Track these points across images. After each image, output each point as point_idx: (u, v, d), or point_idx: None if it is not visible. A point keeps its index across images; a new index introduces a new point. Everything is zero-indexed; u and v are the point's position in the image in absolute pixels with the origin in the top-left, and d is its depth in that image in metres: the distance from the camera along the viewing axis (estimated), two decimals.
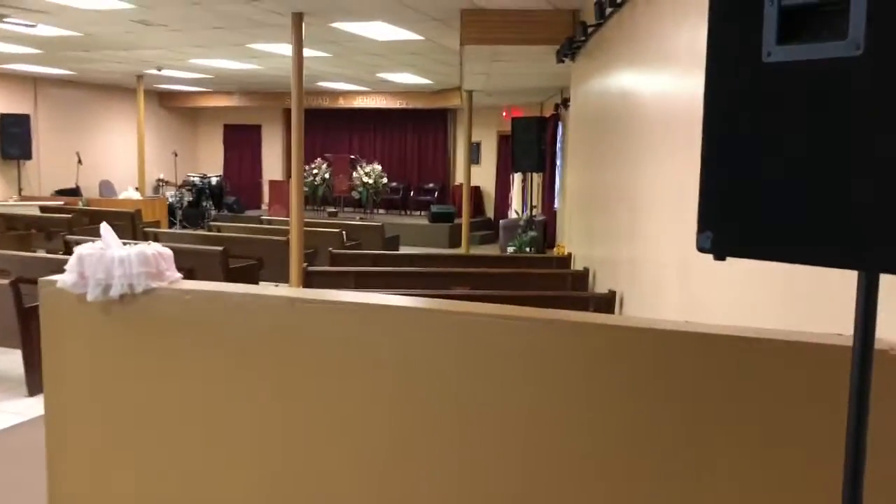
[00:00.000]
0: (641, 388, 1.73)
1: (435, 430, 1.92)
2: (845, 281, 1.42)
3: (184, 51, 11.24)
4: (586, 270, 6.27)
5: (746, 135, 1.16)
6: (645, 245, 4.30)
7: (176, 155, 17.89)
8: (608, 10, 5.14)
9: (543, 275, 6.56)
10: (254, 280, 7.85)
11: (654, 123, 4.04)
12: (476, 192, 16.96)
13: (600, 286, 5.82)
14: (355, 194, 16.72)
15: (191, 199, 15.93)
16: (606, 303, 5.01)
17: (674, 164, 3.53)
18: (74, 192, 15.20)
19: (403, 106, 16.91)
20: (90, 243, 2.16)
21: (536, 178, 13.22)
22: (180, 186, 16.32)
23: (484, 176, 17.70)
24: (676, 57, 3.60)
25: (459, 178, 17.07)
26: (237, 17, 8.36)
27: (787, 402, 1.62)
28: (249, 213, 17.67)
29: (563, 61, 7.72)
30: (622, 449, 1.76)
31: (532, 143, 11.34)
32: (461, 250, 12.50)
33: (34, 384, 5.15)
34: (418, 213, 17.58)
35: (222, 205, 17.08)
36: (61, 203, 12.85)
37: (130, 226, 10.38)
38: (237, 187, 18.92)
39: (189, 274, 2.26)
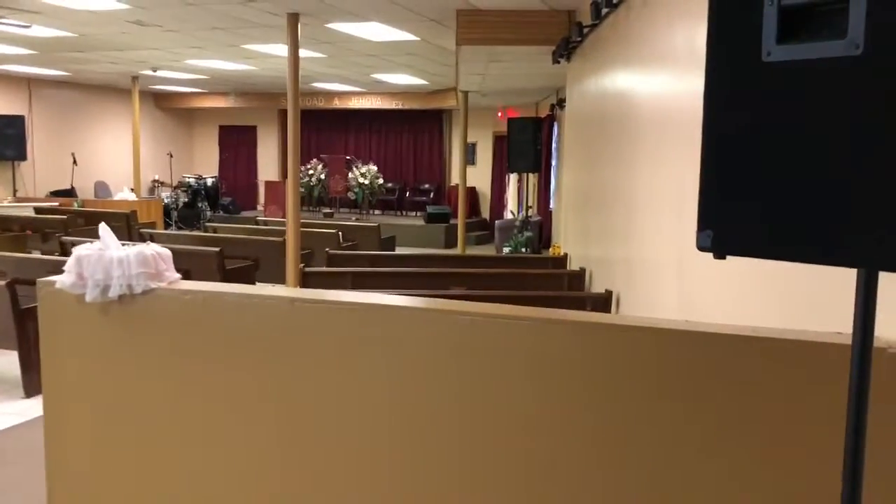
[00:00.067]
0: (641, 387, 1.74)
1: (434, 430, 1.93)
2: (842, 280, 1.43)
3: (179, 51, 11.22)
4: (582, 270, 6.28)
5: (746, 134, 1.16)
6: (641, 245, 4.31)
7: (171, 156, 17.86)
8: (604, 11, 5.15)
9: (540, 275, 6.57)
10: (250, 281, 7.84)
11: (650, 123, 4.05)
12: (472, 193, 16.96)
13: (597, 286, 5.83)
14: (351, 195, 16.70)
15: (186, 200, 15.91)
16: (603, 303, 5.02)
17: (670, 163, 3.54)
18: (69, 193, 15.16)
19: (399, 107, 16.92)
20: (89, 244, 2.15)
21: (532, 179, 13.23)
22: (176, 187, 16.29)
23: (479, 176, 17.71)
24: (672, 57, 3.61)
25: (455, 178, 17.08)
26: (232, 18, 8.35)
27: (787, 401, 1.63)
28: (245, 213, 17.66)
29: (558, 62, 7.73)
30: (622, 448, 1.76)
31: (528, 144, 11.36)
32: (457, 251, 12.50)
33: (31, 385, 5.14)
34: (414, 213, 17.57)
35: (218, 206, 17.07)
36: (56, 204, 12.83)
37: (126, 227, 10.37)
38: (232, 188, 18.90)
39: (185, 275, 2.25)
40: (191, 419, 2.15)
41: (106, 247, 2.13)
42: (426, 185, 18.25)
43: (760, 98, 1.14)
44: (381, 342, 1.96)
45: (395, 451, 1.97)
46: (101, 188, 16.51)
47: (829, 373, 1.56)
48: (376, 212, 17.51)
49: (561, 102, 10.62)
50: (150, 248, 2.16)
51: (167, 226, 14.65)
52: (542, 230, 12.39)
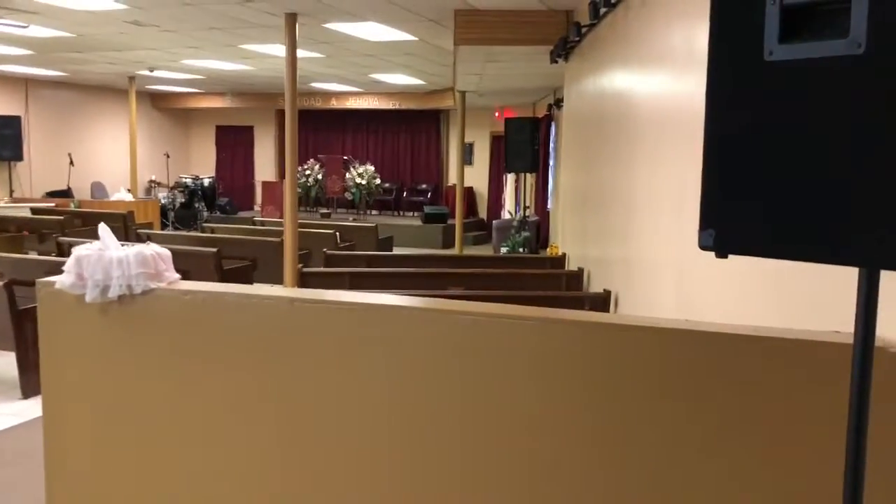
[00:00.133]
0: (643, 386, 1.74)
1: (435, 430, 1.93)
2: (840, 280, 1.43)
3: (176, 51, 11.21)
4: (581, 270, 6.29)
5: (748, 133, 1.17)
6: (639, 245, 4.31)
7: (168, 156, 17.85)
8: (602, 11, 5.16)
9: (538, 275, 6.57)
10: (248, 281, 7.84)
11: (649, 123, 4.06)
12: (469, 193, 16.97)
13: (595, 286, 5.84)
14: (348, 195, 16.70)
15: (183, 200, 15.88)
16: (601, 303, 5.03)
17: (668, 163, 3.54)
18: (66, 193, 15.14)
19: (396, 107, 16.92)
20: (88, 244, 2.15)
21: (529, 179, 13.24)
22: (172, 188, 16.27)
23: (477, 177, 17.71)
24: (671, 57, 3.61)
25: (452, 178, 17.08)
26: (230, 18, 8.34)
27: (788, 400, 1.63)
28: (242, 214, 17.65)
29: (556, 62, 7.74)
30: (624, 448, 1.76)
31: (525, 144, 11.36)
32: (455, 251, 12.50)
33: (28, 386, 5.13)
34: (411, 213, 17.57)
35: (215, 206, 17.05)
36: (53, 205, 12.80)
37: (123, 227, 10.36)
38: (229, 188, 18.88)
39: (183, 275, 2.25)
40: (190, 419, 2.15)
41: (105, 247, 2.13)
42: (423, 186, 18.25)
43: (762, 97, 1.14)
44: (381, 342, 1.96)
45: (395, 451, 1.97)
46: (98, 189, 16.49)
47: (829, 372, 1.57)
48: (373, 212, 17.51)
49: (558, 102, 10.63)
50: (150, 249, 2.16)
51: (164, 226, 14.63)
52: (539, 230, 12.40)
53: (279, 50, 9.46)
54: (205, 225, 12.24)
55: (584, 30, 6.10)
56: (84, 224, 10.68)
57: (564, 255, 7.63)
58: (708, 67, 1.21)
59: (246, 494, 2.12)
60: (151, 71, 13.71)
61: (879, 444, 1.29)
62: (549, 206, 12.46)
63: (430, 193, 18.02)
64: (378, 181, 16.88)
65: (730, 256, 1.23)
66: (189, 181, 16.42)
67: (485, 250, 14.00)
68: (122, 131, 16.81)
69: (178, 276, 2.21)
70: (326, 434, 2.03)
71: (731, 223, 1.20)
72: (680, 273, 3.35)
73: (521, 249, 10.86)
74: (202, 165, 19.68)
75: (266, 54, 10.94)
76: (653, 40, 4.03)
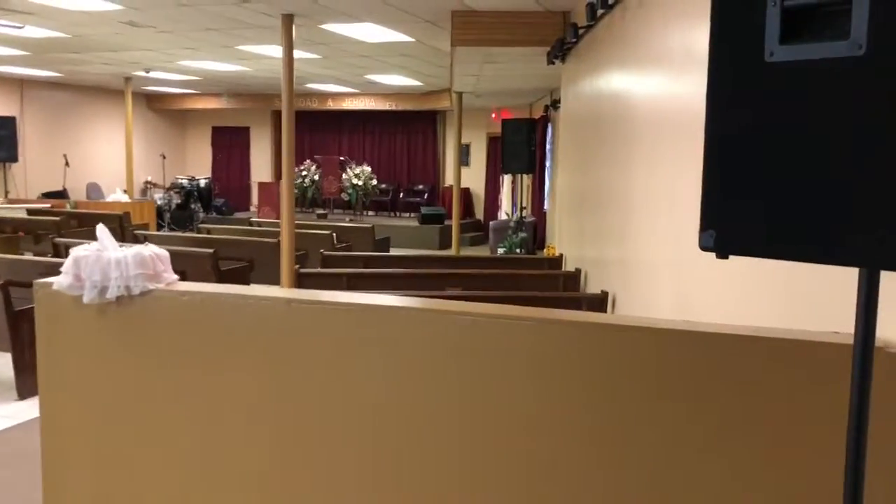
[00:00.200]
0: (642, 387, 1.74)
1: (434, 430, 1.92)
2: (838, 280, 1.43)
3: (172, 52, 11.19)
4: (578, 271, 6.29)
5: (748, 134, 1.17)
6: (637, 246, 4.31)
7: (164, 157, 17.82)
8: (599, 12, 5.16)
9: (535, 276, 6.58)
10: (245, 282, 7.83)
11: (646, 124, 4.06)
12: (466, 194, 16.97)
13: (592, 287, 5.84)
14: (344, 196, 16.68)
15: (179, 201, 15.86)
16: (598, 304, 5.03)
17: (666, 164, 3.54)
18: (61, 194, 15.11)
19: (393, 108, 16.92)
20: (86, 245, 2.14)
21: (526, 180, 13.24)
22: (168, 189, 16.25)
23: (473, 177, 17.72)
24: (668, 58, 3.62)
25: (449, 179, 17.09)
26: (226, 19, 8.33)
27: (787, 401, 1.63)
28: (238, 215, 17.61)
29: (553, 63, 7.74)
30: (623, 449, 1.76)
31: (522, 145, 11.36)
32: (451, 252, 12.50)
33: (24, 387, 5.12)
34: (408, 214, 17.56)
35: (211, 207, 17.03)
36: (48, 206, 12.77)
37: (119, 228, 10.34)
38: (225, 189, 18.86)
39: (180, 277, 2.25)
40: (189, 420, 2.15)
41: (104, 248, 2.12)
42: (420, 186, 18.25)
43: (762, 98, 1.14)
44: (379, 343, 1.96)
45: (393, 451, 1.97)
46: (94, 189, 16.46)
47: (828, 372, 1.57)
48: (370, 213, 17.50)
49: (555, 103, 10.64)
50: (148, 250, 2.15)
51: (160, 227, 14.60)
52: (536, 231, 12.40)
53: (275, 51, 9.45)
54: (201, 226, 12.21)
55: (581, 31, 6.11)
56: (80, 225, 10.67)
57: (561, 255, 7.64)
58: (708, 68, 1.21)
59: (244, 495, 2.11)
60: (147, 72, 13.69)
61: (879, 443, 1.30)
62: (545, 207, 12.47)
63: (426, 194, 18.02)
64: (374, 182, 16.86)
65: (730, 257, 1.23)
66: (185, 182, 16.40)
67: (481, 251, 13.99)
68: (117, 132, 16.78)
69: (176, 277, 2.20)
70: (324, 434, 2.02)
71: (732, 224, 1.20)
72: (677, 274, 3.35)
73: (517, 250, 10.86)
74: (198, 166, 19.66)
75: (262, 55, 10.93)
76: (650, 41, 4.04)
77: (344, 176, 16.53)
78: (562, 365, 1.81)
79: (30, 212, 11.67)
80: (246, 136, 19.81)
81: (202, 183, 16.72)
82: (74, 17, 8.42)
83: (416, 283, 5.91)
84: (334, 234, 9.69)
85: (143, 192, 17.49)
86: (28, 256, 8.10)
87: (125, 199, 14.39)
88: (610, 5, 4.91)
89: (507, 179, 15.36)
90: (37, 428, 2.30)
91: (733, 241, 1.20)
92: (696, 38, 3.00)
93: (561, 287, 6.11)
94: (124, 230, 10.46)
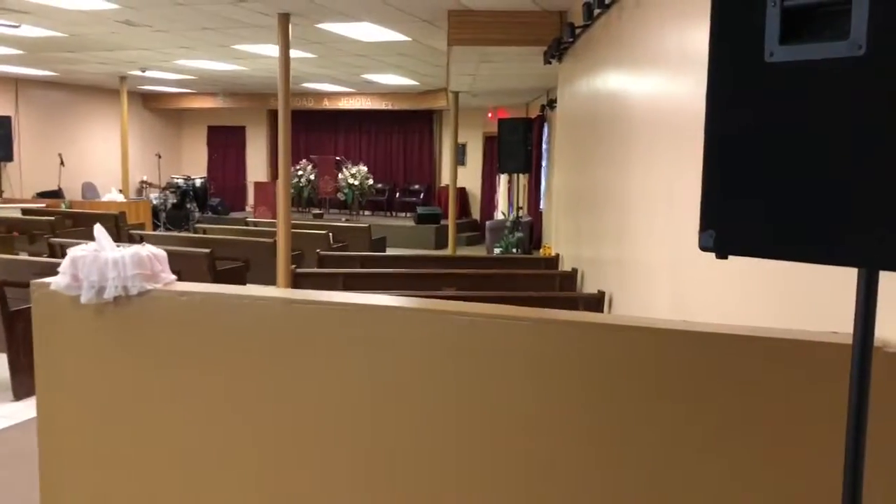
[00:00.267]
0: (640, 387, 1.74)
1: (432, 430, 1.92)
2: (837, 280, 1.43)
3: (168, 52, 11.17)
4: (574, 271, 6.29)
5: (748, 134, 1.17)
6: (634, 246, 4.32)
7: (159, 157, 17.79)
8: (596, 12, 5.17)
9: (531, 275, 6.58)
10: (241, 282, 7.81)
11: (643, 124, 4.06)
12: (462, 194, 16.96)
13: (589, 287, 5.85)
14: (341, 196, 16.66)
15: (175, 201, 15.83)
16: (595, 303, 5.03)
17: (663, 164, 3.55)
18: (56, 194, 15.06)
19: (389, 107, 16.91)
20: (84, 245, 2.14)
21: (522, 180, 13.24)
22: (164, 188, 16.22)
23: (470, 177, 17.72)
24: (665, 58, 3.62)
25: (445, 179, 17.09)
26: (222, 18, 8.32)
27: (786, 401, 1.63)
28: (234, 215, 17.59)
29: (550, 62, 7.74)
30: (622, 449, 1.76)
31: (518, 145, 11.36)
32: (448, 252, 12.50)
33: (20, 388, 5.10)
34: (404, 214, 17.56)
35: (206, 207, 16.99)
36: (43, 205, 12.74)
37: (115, 228, 10.31)
38: (221, 189, 18.83)
39: (177, 276, 2.24)
40: (187, 420, 2.14)
41: (101, 248, 2.12)
42: (416, 186, 18.24)
43: (762, 98, 1.15)
44: (377, 343, 1.96)
45: (391, 451, 1.96)
46: (89, 189, 16.42)
47: (827, 372, 1.57)
48: (366, 213, 17.48)
49: (551, 103, 10.65)
50: (146, 250, 2.15)
51: (155, 227, 14.57)
52: (532, 231, 12.41)
53: (272, 50, 9.45)
54: (197, 226, 12.19)
55: (577, 31, 6.11)
56: (75, 225, 10.64)
57: (558, 255, 7.64)
58: (709, 68, 1.21)
59: (242, 494, 2.11)
60: (143, 71, 13.66)
61: (878, 443, 1.30)
62: (541, 207, 12.47)
63: (422, 194, 18.01)
64: (371, 182, 16.86)
65: (729, 257, 1.23)
66: (181, 182, 16.37)
67: (478, 251, 14.00)
68: (113, 131, 16.74)
69: (174, 277, 2.20)
70: (322, 434, 2.02)
71: (732, 224, 1.20)
72: (675, 273, 3.36)
73: (514, 250, 10.87)
74: (194, 166, 19.62)
75: (258, 54, 10.92)
76: (647, 41, 4.04)
77: (340, 176, 16.52)
78: (560, 365, 1.81)
79: (25, 211, 11.63)
80: (242, 135, 19.79)
81: (198, 182, 16.68)
82: (71, 16, 8.40)
83: (412, 283, 5.91)
84: (330, 234, 9.68)
85: (139, 191, 17.44)
86: (23, 256, 8.07)
87: (121, 198, 14.36)
88: (607, 5, 4.92)
89: (503, 179, 15.37)
90: (33, 428, 2.30)
91: (733, 241, 1.20)
92: (694, 37, 3.01)
93: (557, 287, 6.12)
94: (120, 230, 10.43)
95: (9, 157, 14.67)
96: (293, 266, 6.87)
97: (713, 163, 1.22)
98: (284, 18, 7.83)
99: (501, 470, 1.87)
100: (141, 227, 12.14)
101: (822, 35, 1.07)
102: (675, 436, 1.72)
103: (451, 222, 12.51)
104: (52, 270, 2.18)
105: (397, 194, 18.27)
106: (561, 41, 6.95)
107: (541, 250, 10.72)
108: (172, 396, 2.15)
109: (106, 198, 14.68)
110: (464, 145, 17.28)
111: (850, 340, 1.18)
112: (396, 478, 1.97)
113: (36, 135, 15.85)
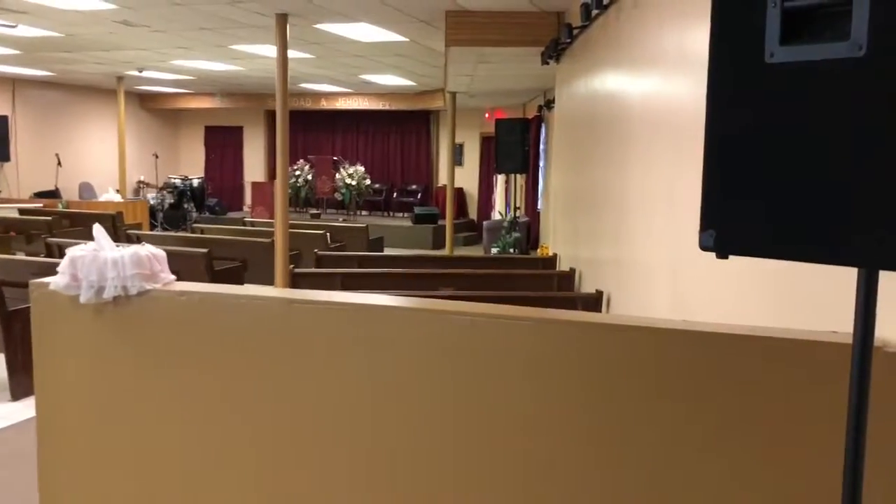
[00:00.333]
0: (640, 387, 1.74)
1: (431, 430, 1.92)
2: (837, 280, 1.44)
3: (166, 52, 11.16)
4: (572, 271, 6.30)
5: (749, 134, 1.17)
6: (632, 245, 4.32)
7: (156, 157, 17.78)
8: (594, 12, 5.17)
9: (529, 275, 6.59)
10: (239, 282, 7.81)
11: (642, 125, 4.07)
12: (459, 194, 16.97)
13: (586, 286, 5.85)
14: (338, 196, 16.66)
15: (172, 201, 15.82)
16: (593, 303, 5.03)
17: (662, 165, 3.55)
18: (53, 194, 15.04)
19: (386, 107, 16.92)
20: (83, 245, 2.14)
21: (520, 180, 13.25)
22: (161, 188, 16.20)
23: (467, 177, 17.72)
24: (664, 59, 3.63)
25: (443, 179, 17.08)
26: (220, 18, 8.31)
27: (786, 401, 1.64)
28: (231, 215, 17.58)
29: (547, 63, 7.75)
30: (621, 448, 1.77)
31: (515, 145, 11.37)
32: (445, 252, 12.50)
33: (18, 388, 5.09)
34: (401, 214, 17.56)
35: (204, 207, 16.99)
36: (40, 205, 12.72)
37: (112, 228, 10.30)
38: (219, 189, 18.81)
39: (176, 276, 2.24)
40: (186, 420, 2.14)
41: (100, 248, 2.12)
42: (413, 186, 18.25)
43: (763, 98, 1.15)
44: (376, 342, 1.96)
45: (390, 451, 1.96)
46: (86, 189, 16.39)
47: (827, 372, 1.58)
48: (363, 213, 17.49)
49: (549, 103, 10.65)
50: (145, 249, 2.15)
51: (152, 227, 14.56)
52: (529, 231, 12.41)
53: (269, 50, 9.44)
54: (194, 226, 12.19)
55: (575, 31, 6.12)
56: (72, 225, 10.63)
57: (556, 255, 7.65)
58: (709, 68, 1.21)
59: (241, 494, 2.11)
60: (140, 71, 13.65)
61: (878, 443, 1.30)
62: (539, 207, 12.48)
63: (420, 194, 18.02)
64: (368, 182, 16.86)
65: (729, 257, 1.24)
66: (178, 182, 16.35)
67: (475, 251, 14.01)
68: (110, 132, 16.73)
69: (173, 277, 2.20)
70: (321, 434, 2.02)
71: (732, 224, 1.20)
72: (674, 273, 3.36)
73: (511, 250, 10.88)
74: (191, 166, 19.60)
75: (256, 55, 10.91)
76: (645, 42, 4.05)
77: (337, 176, 16.51)
78: (560, 365, 1.81)
79: (22, 211, 11.61)
80: (239, 135, 19.77)
81: (195, 182, 16.68)
82: (68, 16, 8.39)
83: (410, 283, 5.91)
84: (328, 234, 9.68)
85: (136, 191, 17.43)
86: (20, 256, 8.06)
87: (118, 198, 14.34)
88: (605, 5, 4.92)
89: (500, 179, 15.38)
90: (32, 428, 2.29)
91: (733, 241, 1.21)
92: (692, 38, 3.01)
93: (555, 287, 6.12)
94: (117, 230, 10.42)
95: (6, 157, 14.64)
96: (291, 266, 6.87)
97: (713, 163, 1.22)
98: (282, 19, 7.83)
99: (500, 470, 1.87)
100: (138, 227, 12.12)
101: (822, 36, 1.07)
102: (674, 435, 1.72)
103: (448, 222, 12.51)
104: (49, 270, 2.18)
105: (395, 194, 18.27)
106: (558, 42, 6.95)
107: (538, 250, 10.72)
108: (172, 396, 2.15)
109: (103, 198, 14.67)
110: (461, 146, 17.30)
111: (850, 340, 1.18)
112: (395, 478, 1.97)
113: (33, 135, 15.82)
